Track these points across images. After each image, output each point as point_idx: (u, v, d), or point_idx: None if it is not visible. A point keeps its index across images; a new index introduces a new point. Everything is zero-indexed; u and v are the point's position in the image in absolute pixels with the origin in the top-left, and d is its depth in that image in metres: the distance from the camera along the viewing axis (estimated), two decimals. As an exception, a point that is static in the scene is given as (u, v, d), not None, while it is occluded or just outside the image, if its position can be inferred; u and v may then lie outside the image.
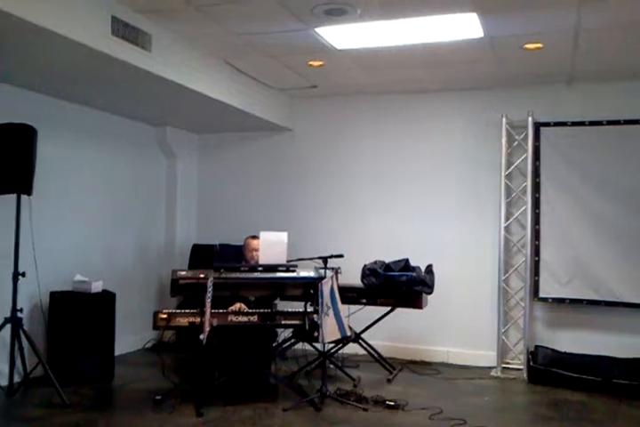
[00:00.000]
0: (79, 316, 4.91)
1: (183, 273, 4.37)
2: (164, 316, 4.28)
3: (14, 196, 4.42)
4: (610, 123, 5.31)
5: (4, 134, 4.34)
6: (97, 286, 5.07)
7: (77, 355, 4.86)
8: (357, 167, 6.28)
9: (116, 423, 4.00)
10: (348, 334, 4.42)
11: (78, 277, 5.12)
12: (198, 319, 4.21)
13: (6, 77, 4.60)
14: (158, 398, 4.35)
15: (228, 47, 4.82)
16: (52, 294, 4.97)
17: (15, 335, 4.41)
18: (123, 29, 4.01)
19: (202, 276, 4.23)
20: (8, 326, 4.37)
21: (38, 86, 4.85)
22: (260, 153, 6.71)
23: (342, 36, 4.46)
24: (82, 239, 5.55)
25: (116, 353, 5.24)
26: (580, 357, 5.26)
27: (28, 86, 4.84)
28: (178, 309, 4.59)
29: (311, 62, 5.16)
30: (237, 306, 4.54)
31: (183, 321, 4.29)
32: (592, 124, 5.36)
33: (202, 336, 4.04)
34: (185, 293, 4.72)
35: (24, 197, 4.45)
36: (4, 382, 4.48)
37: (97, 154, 5.74)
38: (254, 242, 4.90)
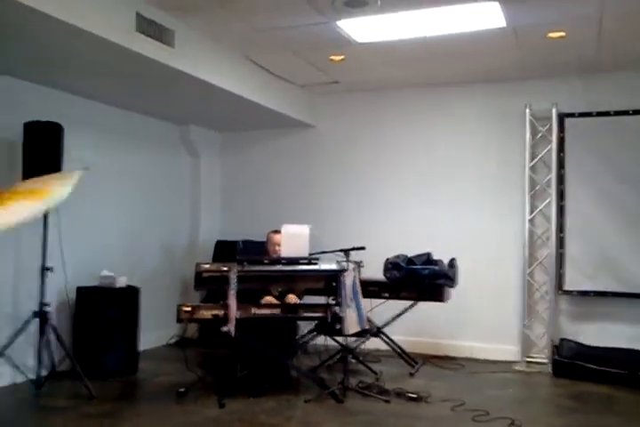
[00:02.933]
0: (104, 310, 4.98)
1: (207, 266, 4.40)
2: (188, 309, 4.30)
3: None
4: (636, 112, 5.22)
5: (32, 132, 4.42)
6: (121, 281, 5.14)
7: (102, 349, 4.92)
8: (380, 162, 6.27)
9: (142, 414, 4.05)
10: (367, 327, 4.41)
11: (105, 273, 5.18)
12: (222, 312, 4.21)
13: (33, 76, 4.68)
14: (182, 390, 4.39)
15: (250, 43, 4.86)
16: (79, 289, 5.04)
17: (43, 329, 4.47)
18: (147, 26, 4.07)
19: (225, 268, 4.24)
20: (36, 320, 4.44)
21: (63, 84, 4.91)
22: (282, 150, 6.73)
23: (363, 28, 4.46)
24: (108, 236, 5.62)
25: (140, 348, 5.28)
26: (605, 350, 5.18)
27: (53, 85, 4.91)
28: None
29: (332, 57, 5.17)
30: (268, 299, 4.57)
31: (207, 314, 4.29)
32: (617, 113, 5.27)
33: (225, 328, 4.06)
34: (208, 286, 4.74)
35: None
36: (32, 376, 4.55)
37: (122, 152, 5.81)
38: (277, 236, 4.90)
